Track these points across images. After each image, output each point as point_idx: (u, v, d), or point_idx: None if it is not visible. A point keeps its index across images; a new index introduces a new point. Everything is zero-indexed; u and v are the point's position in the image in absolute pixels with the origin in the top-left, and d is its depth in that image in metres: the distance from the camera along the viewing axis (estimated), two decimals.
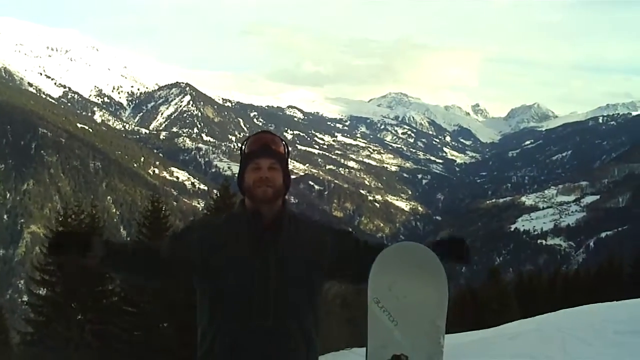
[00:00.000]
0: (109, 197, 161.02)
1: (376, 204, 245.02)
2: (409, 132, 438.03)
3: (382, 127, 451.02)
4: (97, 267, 2.73)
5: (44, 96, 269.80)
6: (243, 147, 2.83)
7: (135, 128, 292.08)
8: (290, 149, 2.91)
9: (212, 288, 2.72)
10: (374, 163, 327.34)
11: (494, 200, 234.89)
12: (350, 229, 3.26)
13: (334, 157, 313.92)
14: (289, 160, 2.89)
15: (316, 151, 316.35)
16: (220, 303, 2.69)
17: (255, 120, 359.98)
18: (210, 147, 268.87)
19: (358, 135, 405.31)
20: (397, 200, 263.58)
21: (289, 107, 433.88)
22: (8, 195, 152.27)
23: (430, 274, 2.75)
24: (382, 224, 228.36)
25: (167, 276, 2.88)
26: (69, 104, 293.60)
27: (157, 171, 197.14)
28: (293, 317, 2.69)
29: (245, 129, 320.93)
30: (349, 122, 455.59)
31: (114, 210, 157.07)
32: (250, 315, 2.64)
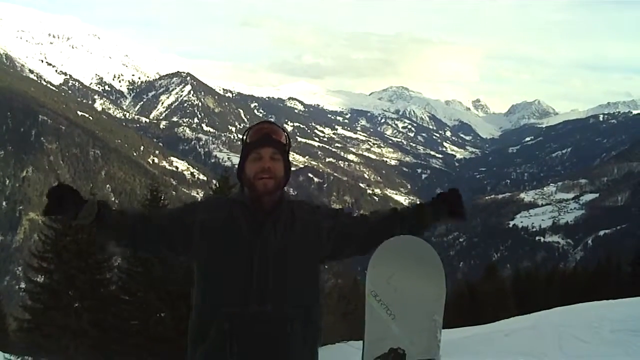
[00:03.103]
0: (107, 186, 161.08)
1: (375, 197, 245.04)
2: (409, 126, 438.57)
3: (383, 120, 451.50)
4: (90, 226, 2.65)
5: (44, 83, 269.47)
6: (244, 137, 2.81)
7: (136, 117, 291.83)
8: (291, 140, 2.88)
9: (211, 272, 2.70)
10: (373, 157, 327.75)
11: (492, 196, 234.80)
12: (341, 207, 3.13)
13: (333, 149, 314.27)
14: (290, 151, 2.87)
15: (316, 143, 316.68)
16: (219, 287, 2.67)
17: (255, 111, 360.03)
18: (210, 138, 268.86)
19: (358, 128, 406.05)
20: (396, 194, 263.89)
21: (289, 98, 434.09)
22: (7, 181, 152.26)
23: (429, 267, 2.74)
24: None
25: (161, 244, 2.76)
26: (70, 92, 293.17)
27: (156, 160, 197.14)
28: (292, 302, 2.67)
29: (245, 119, 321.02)
30: (349, 115, 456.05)
31: (113, 198, 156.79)
32: (249, 300, 2.62)
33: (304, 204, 2.91)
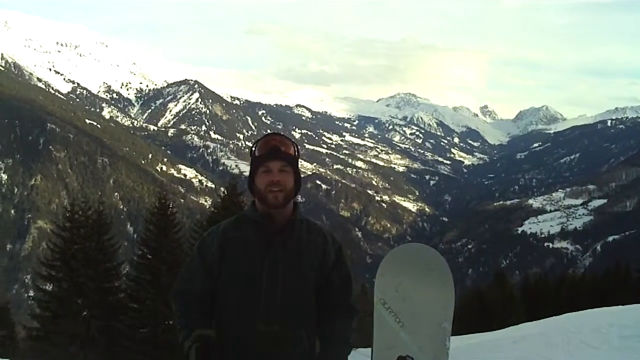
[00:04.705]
0: (116, 194, 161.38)
1: (383, 204, 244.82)
2: (417, 133, 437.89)
3: (390, 127, 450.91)
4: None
5: (52, 91, 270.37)
6: (253, 149, 2.84)
7: (144, 125, 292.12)
8: (299, 149, 2.92)
9: (219, 291, 2.78)
10: (381, 163, 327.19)
11: (501, 202, 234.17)
12: (349, 273, 2.99)
13: (341, 156, 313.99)
14: (299, 162, 2.91)
15: (324, 150, 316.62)
16: (226, 307, 2.73)
17: (263, 118, 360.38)
18: (218, 145, 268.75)
19: (366, 135, 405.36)
20: (404, 200, 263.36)
21: (297, 105, 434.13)
22: (16, 190, 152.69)
23: (437, 275, 2.73)
24: (389, 225, 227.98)
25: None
26: (78, 100, 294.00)
27: (164, 168, 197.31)
28: (299, 323, 2.70)
29: (253, 127, 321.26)
30: (357, 121, 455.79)
31: (121, 206, 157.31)
32: (256, 320, 2.65)
33: (317, 229, 2.92)
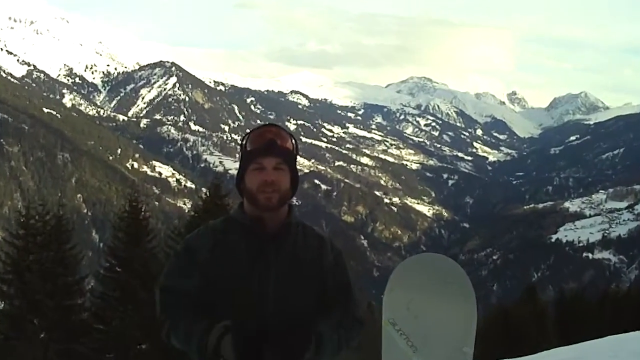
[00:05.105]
0: (79, 195, 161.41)
1: (393, 207, 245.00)
2: (433, 124, 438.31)
3: (402, 117, 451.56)
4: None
5: (4, 75, 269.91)
6: (244, 143, 2.83)
7: (112, 114, 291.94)
8: (298, 146, 2.91)
9: (205, 305, 2.78)
10: (391, 159, 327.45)
11: (532, 206, 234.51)
12: (349, 281, 3.03)
13: (344, 151, 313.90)
14: (297, 159, 2.90)
15: (324, 144, 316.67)
16: (214, 318, 2.71)
17: (252, 107, 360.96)
18: (200, 138, 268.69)
19: (373, 126, 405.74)
20: (418, 203, 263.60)
21: (291, 92, 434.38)
22: None
23: (457, 291, 2.69)
24: (399, 232, 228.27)
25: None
26: (34, 85, 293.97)
27: (136, 165, 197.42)
28: (294, 336, 2.70)
29: (240, 117, 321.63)
30: (362, 110, 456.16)
31: (85, 210, 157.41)
32: (246, 337, 2.64)
33: (315, 234, 2.96)
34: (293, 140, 2.85)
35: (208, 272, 2.80)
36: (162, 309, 2.89)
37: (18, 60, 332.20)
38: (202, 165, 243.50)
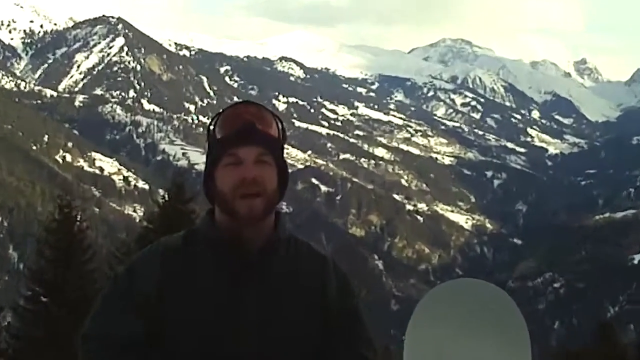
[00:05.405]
0: None
1: (418, 216, 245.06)
2: (473, 103, 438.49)
3: (431, 93, 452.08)
4: None
5: None
6: (213, 128, 2.69)
7: (36, 88, 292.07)
8: (286, 128, 2.77)
9: (165, 350, 2.65)
10: (416, 151, 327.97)
11: (607, 215, 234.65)
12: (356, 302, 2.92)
13: (352, 140, 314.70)
14: (284, 148, 2.78)
15: (324, 131, 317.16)
16: None
17: (227, 79, 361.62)
18: (156, 122, 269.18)
19: (391, 106, 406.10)
20: (452, 211, 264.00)
21: (281, 59, 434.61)
22: None
23: (504, 330, 2.64)
24: (426, 249, 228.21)
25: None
26: None
27: (69, 158, 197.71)
28: None
29: (211, 92, 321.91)
30: (377, 84, 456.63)
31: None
32: None
33: (312, 253, 2.86)
34: (279, 124, 2.71)
35: (161, 311, 2.63)
36: None
37: None
38: (159, 158, 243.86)
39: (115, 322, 2.67)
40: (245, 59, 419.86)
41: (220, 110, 2.70)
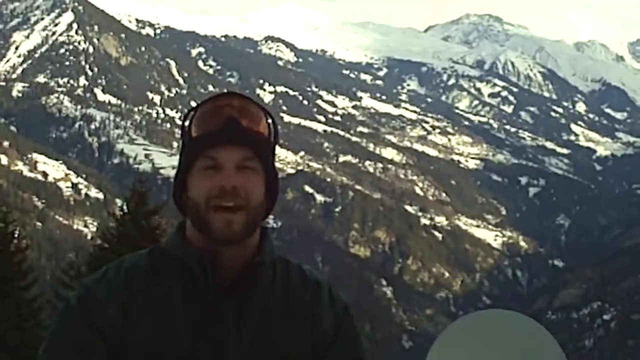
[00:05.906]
0: None
1: (436, 232, 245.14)
2: (505, 93, 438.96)
3: (452, 82, 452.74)
4: None
5: None
6: (188, 124, 2.64)
7: None
8: (277, 128, 2.71)
9: None
10: (433, 152, 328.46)
11: None
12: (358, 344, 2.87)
13: (354, 138, 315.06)
14: (275, 150, 2.72)
15: (320, 127, 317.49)
16: None
17: (201, 63, 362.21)
18: (112, 116, 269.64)
19: (403, 97, 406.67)
20: (478, 226, 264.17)
21: (267, 39, 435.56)
22: None
23: None
24: (447, 273, 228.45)
25: None
26: None
27: (4, 160, 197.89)
28: None
29: (181, 80, 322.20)
30: (385, 70, 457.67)
31: None
32: None
33: (303, 278, 2.81)
34: (269, 120, 2.65)
35: (120, 344, 2.54)
36: None
37: None
38: (117, 160, 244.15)
39: (72, 355, 2.54)
40: (222, 38, 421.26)
41: (197, 103, 2.62)
